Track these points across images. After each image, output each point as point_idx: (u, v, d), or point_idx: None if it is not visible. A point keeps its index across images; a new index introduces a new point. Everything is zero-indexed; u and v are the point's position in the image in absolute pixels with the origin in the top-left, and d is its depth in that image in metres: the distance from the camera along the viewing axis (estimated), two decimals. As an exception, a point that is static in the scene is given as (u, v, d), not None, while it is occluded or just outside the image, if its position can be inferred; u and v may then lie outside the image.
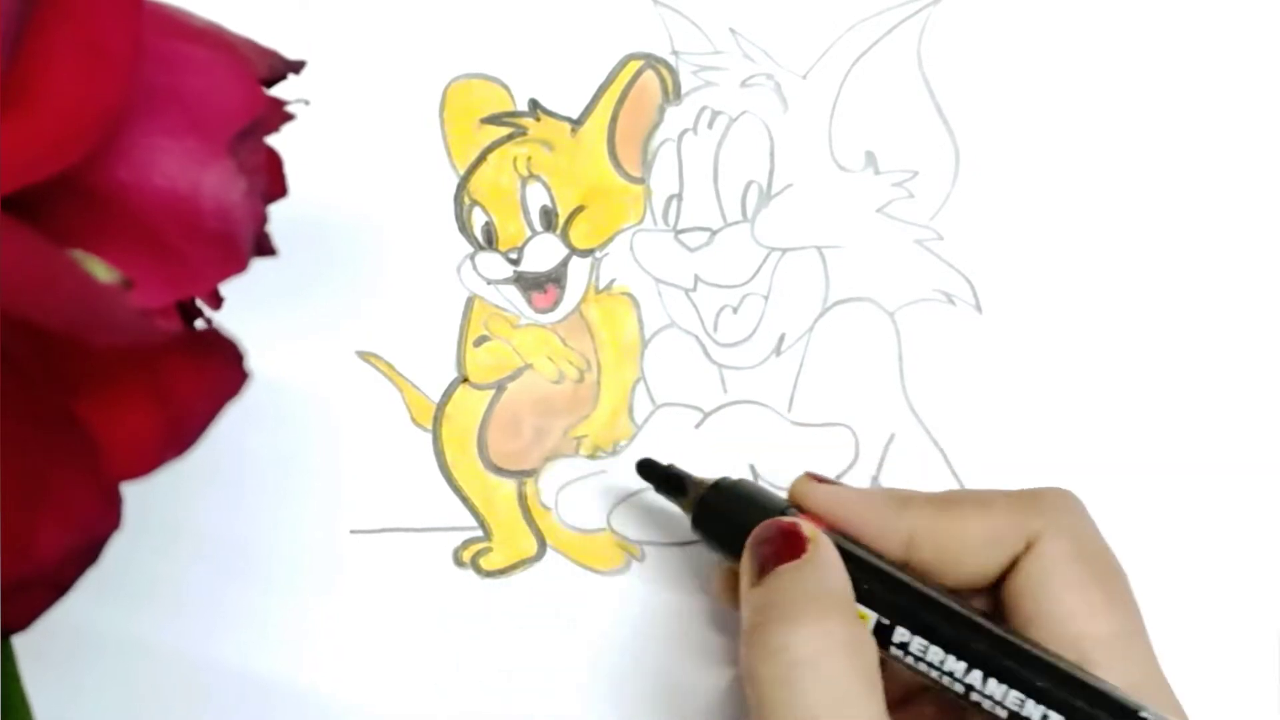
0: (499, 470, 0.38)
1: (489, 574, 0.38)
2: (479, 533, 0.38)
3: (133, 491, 0.21)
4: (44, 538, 0.20)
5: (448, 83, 0.38)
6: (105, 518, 0.21)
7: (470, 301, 0.38)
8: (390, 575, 0.37)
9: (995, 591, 0.33)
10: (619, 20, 0.39)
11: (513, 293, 0.38)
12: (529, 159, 0.38)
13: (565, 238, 0.38)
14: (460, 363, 0.38)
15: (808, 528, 0.32)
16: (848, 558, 0.32)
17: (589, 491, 0.38)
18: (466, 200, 0.38)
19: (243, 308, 0.27)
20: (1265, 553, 0.39)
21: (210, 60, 0.22)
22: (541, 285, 0.38)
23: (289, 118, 0.24)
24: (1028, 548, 0.32)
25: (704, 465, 0.38)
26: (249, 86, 0.23)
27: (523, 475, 0.38)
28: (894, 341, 0.39)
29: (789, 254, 0.39)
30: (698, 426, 0.38)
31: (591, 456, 0.38)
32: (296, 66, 0.24)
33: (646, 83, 0.39)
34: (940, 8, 0.39)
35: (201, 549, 0.37)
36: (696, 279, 0.39)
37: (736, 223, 0.39)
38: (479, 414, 0.38)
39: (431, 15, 0.38)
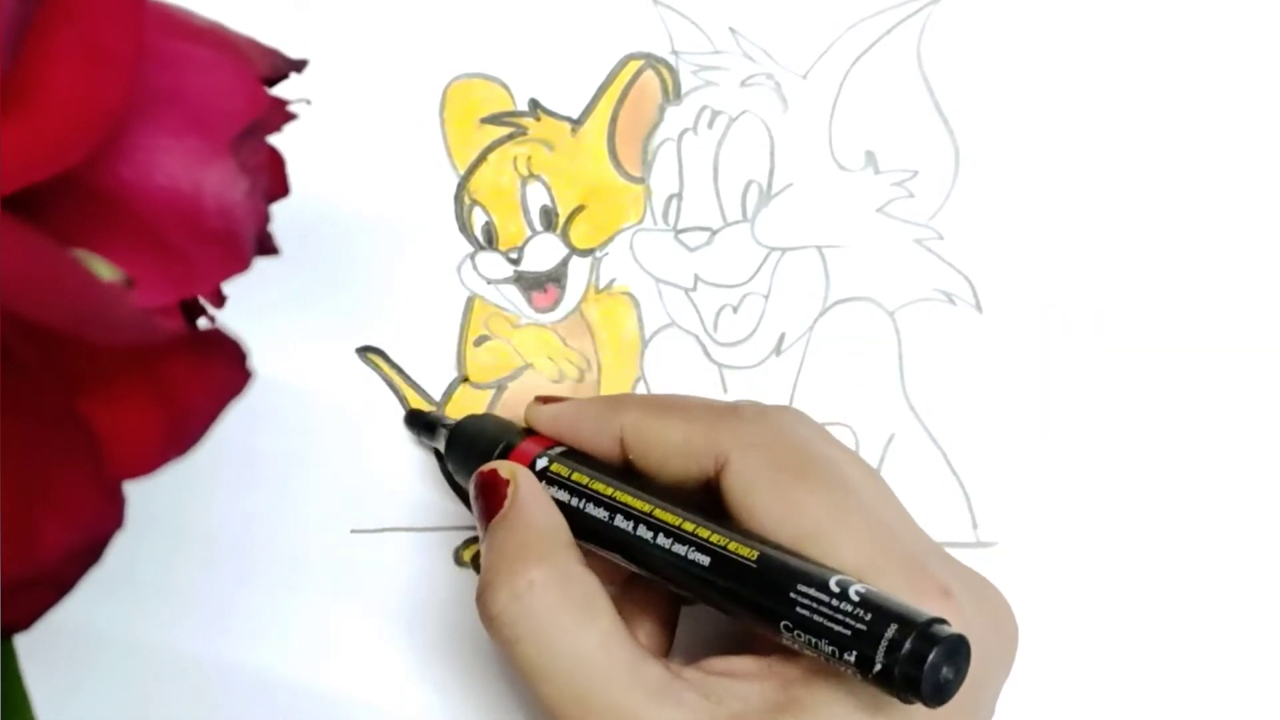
0: (499, 470, 0.38)
1: (489, 573, 0.38)
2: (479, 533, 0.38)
3: (135, 490, 0.21)
4: (46, 537, 0.20)
5: (448, 83, 0.38)
6: (108, 517, 0.21)
7: (470, 301, 0.38)
8: (390, 575, 0.37)
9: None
10: (619, 20, 0.39)
11: (513, 292, 0.38)
12: (529, 159, 0.38)
13: (565, 237, 0.38)
14: (460, 362, 0.38)
15: (506, 469, 0.33)
16: (565, 486, 0.33)
17: (589, 491, 0.38)
18: (467, 200, 0.38)
19: (244, 306, 0.27)
20: (1267, 560, 0.39)
21: (212, 60, 0.22)
22: (542, 285, 0.38)
23: (291, 117, 0.24)
24: (724, 464, 0.32)
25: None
26: (251, 86, 0.23)
27: (523, 475, 0.38)
28: (894, 341, 0.39)
29: (789, 253, 0.39)
30: (698, 426, 0.38)
31: (592, 456, 0.38)
32: (298, 65, 0.24)
33: (646, 82, 0.39)
34: (940, 7, 0.39)
35: (202, 548, 0.37)
36: (696, 278, 0.39)
37: (736, 222, 0.39)
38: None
39: (431, 15, 0.38)
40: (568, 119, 0.39)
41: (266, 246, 0.24)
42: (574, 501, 0.33)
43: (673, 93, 0.39)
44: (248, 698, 0.37)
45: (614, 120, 0.39)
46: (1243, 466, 0.39)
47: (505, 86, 0.38)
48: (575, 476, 0.33)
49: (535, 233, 0.38)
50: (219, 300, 0.26)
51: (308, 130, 0.26)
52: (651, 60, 0.39)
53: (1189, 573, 0.39)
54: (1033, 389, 0.39)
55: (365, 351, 0.38)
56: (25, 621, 0.21)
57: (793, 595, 0.29)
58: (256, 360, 0.22)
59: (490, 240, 0.38)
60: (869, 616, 0.28)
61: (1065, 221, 0.39)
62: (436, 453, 0.37)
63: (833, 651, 0.28)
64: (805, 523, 0.31)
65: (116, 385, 0.20)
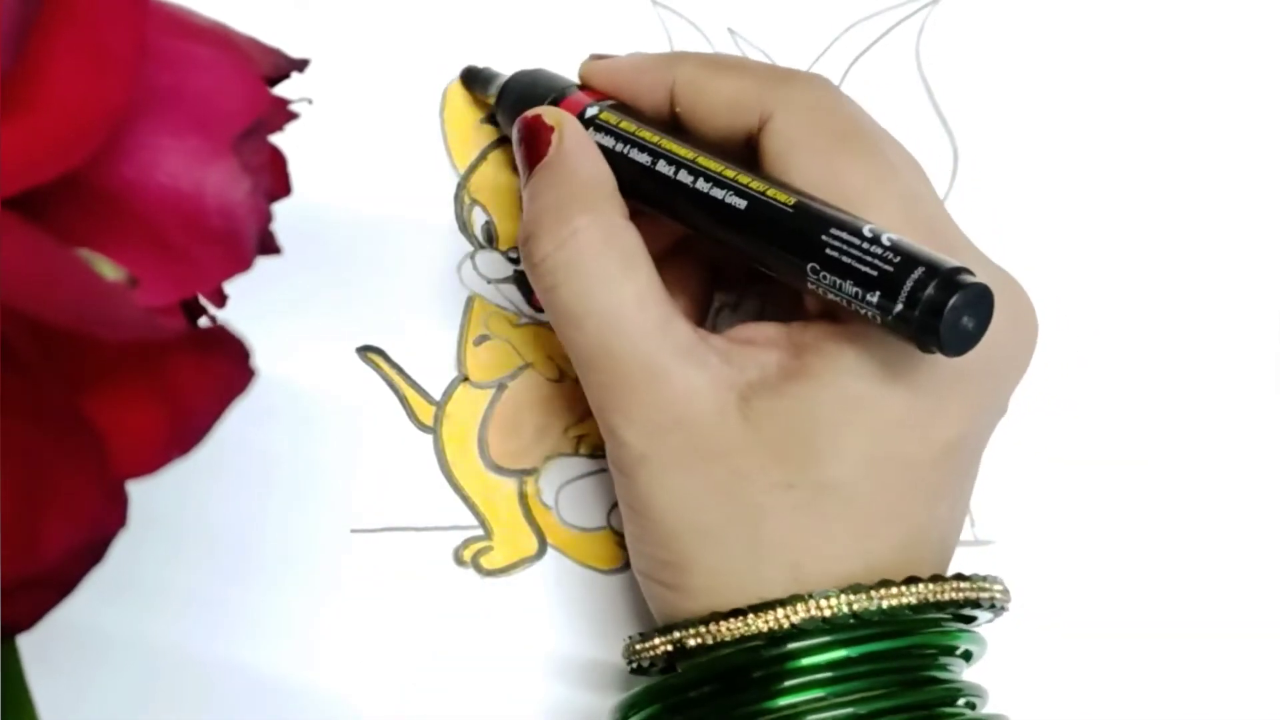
0: (499, 469, 0.38)
1: (489, 573, 0.38)
2: (479, 532, 0.38)
3: (135, 490, 0.21)
4: (49, 536, 0.20)
5: (448, 83, 0.38)
6: (111, 516, 0.21)
7: (470, 300, 0.38)
8: (390, 575, 0.37)
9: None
10: (618, 20, 0.39)
11: (513, 292, 0.38)
12: (529, 158, 0.38)
13: (565, 237, 0.38)
14: (460, 361, 0.38)
15: (552, 115, 0.33)
16: (611, 133, 0.33)
17: (589, 490, 0.38)
18: (466, 199, 0.38)
19: (244, 306, 0.27)
20: (1261, 552, 0.39)
21: (214, 59, 0.22)
22: (541, 285, 0.38)
23: (293, 116, 0.24)
24: (767, 120, 0.32)
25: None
26: (253, 85, 0.23)
27: (523, 474, 0.38)
28: (893, 340, 0.39)
29: (788, 253, 0.39)
30: (697, 425, 0.38)
31: (592, 455, 0.38)
32: (300, 65, 0.24)
33: (646, 82, 0.39)
34: (938, 8, 0.39)
35: (203, 548, 0.37)
36: (696, 278, 0.39)
37: (736, 222, 0.39)
38: (479, 413, 0.38)
39: (431, 15, 0.38)
40: (567, 119, 0.39)
41: (268, 246, 0.24)
42: (618, 147, 0.33)
43: (672, 93, 0.39)
44: (247, 697, 0.37)
45: (613, 120, 0.39)
46: (1241, 464, 0.39)
47: (505, 86, 0.38)
48: (623, 125, 0.33)
49: (535, 232, 0.38)
50: (220, 299, 0.26)
51: (307, 130, 0.26)
52: (651, 60, 0.39)
53: (1185, 572, 0.39)
54: (1031, 388, 0.39)
55: (365, 351, 0.38)
56: (27, 622, 0.21)
57: (824, 238, 0.29)
58: (256, 359, 0.22)
59: (490, 240, 0.38)
60: (897, 259, 0.28)
61: (1064, 221, 0.39)
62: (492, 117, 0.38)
63: (856, 293, 0.28)
64: (841, 188, 0.31)
65: (120, 384, 0.20)
